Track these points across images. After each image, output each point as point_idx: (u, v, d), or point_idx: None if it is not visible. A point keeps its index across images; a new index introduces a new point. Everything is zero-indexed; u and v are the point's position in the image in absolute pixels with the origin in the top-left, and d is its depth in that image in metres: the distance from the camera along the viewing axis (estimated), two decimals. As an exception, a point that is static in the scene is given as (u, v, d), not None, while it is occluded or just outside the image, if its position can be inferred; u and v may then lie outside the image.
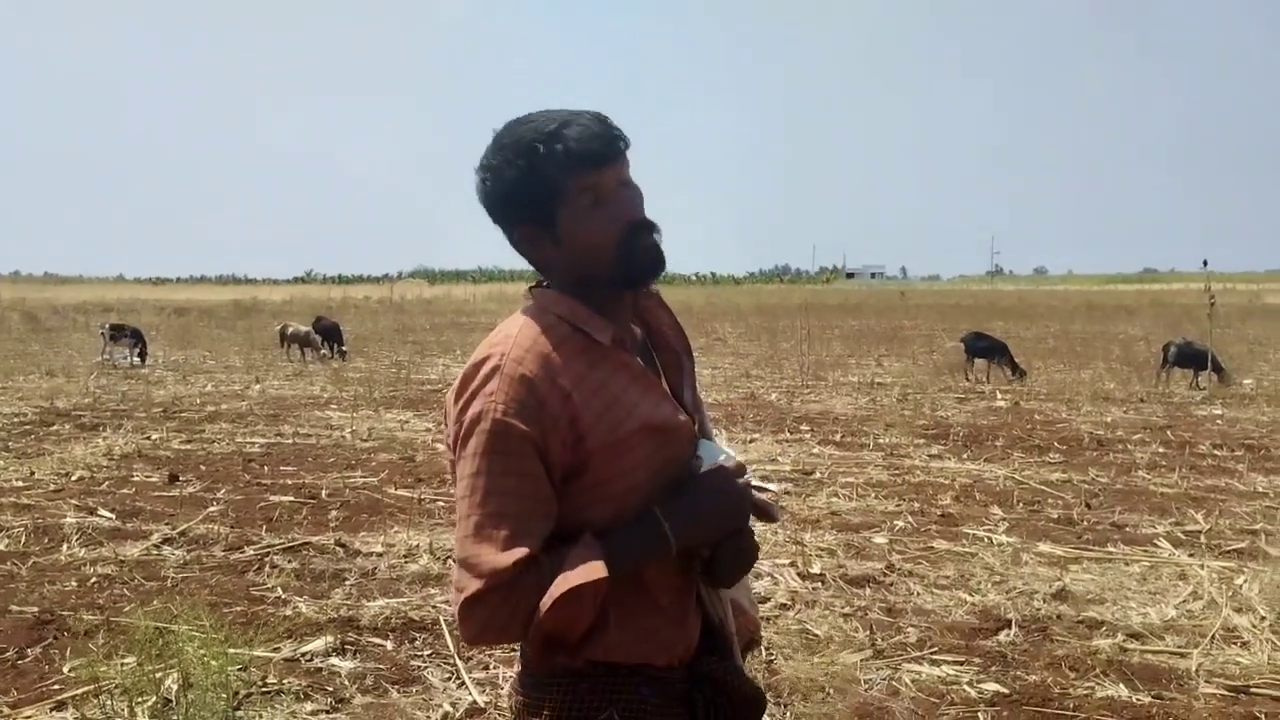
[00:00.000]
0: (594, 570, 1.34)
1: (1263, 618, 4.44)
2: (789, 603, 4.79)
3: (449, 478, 7.14)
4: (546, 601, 1.33)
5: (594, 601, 1.36)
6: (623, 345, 1.49)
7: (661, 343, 1.63)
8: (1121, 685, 3.85)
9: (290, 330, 18.41)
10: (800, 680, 3.87)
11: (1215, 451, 8.58)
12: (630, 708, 1.45)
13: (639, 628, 1.46)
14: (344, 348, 18.46)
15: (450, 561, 5.39)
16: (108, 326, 18.11)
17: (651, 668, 1.47)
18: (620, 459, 1.42)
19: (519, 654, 1.55)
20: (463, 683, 3.96)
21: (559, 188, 1.43)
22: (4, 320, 29.44)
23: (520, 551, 1.33)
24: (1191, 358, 13.28)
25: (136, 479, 7.64)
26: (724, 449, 1.57)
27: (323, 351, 18.03)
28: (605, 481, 1.42)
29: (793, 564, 5.32)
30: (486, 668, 4.12)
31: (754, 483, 1.58)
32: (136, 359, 17.13)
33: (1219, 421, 10.32)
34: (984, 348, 14.74)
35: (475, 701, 3.80)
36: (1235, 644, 4.21)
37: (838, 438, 9.41)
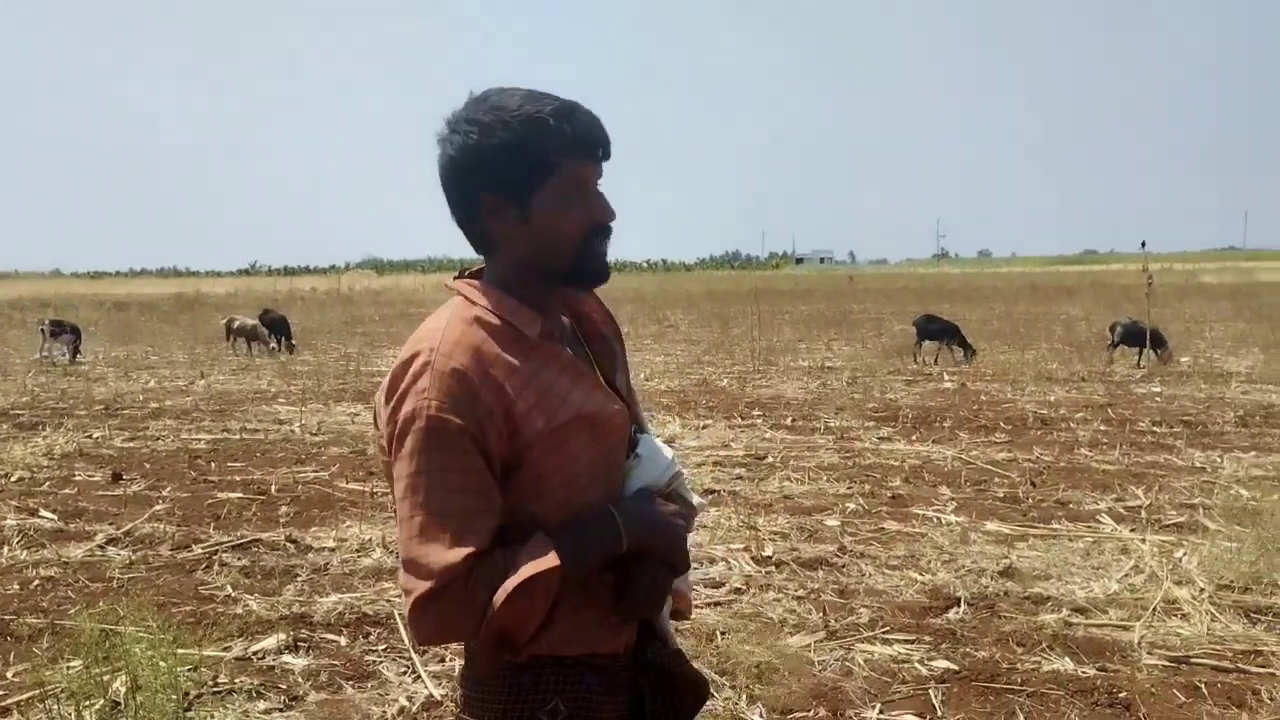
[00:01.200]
0: (547, 561, 1.33)
1: (1202, 590, 4.58)
2: (743, 587, 4.83)
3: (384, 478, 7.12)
4: (500, 596, 1.32)
5: (546, 596, 1.35)
6: (552, 336, 1.48)
7: (591, 330, 1.62)
8: (1067, 659, 3.94)
9: (237, 324, 18.08)
10: (755, 663, 3.91)
11: (1155, 428, 8.81)
12: (576, 698, 1.45)
13: (582, 619, 1.46)
14: (292, 341, 18.18)
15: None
16: (47, 323, 17.65)
17: (596, 657, 1.48)
18: (557, 450, 1.41)
19: (464, 649, 1.54)
20: (418, 676, 3.94)
21: (549, 165, 1.42)
22: (-65, 318, 28.55)
23: (469, 548, 1.32)
24: (1136, 336, 13.60)
25: (79, 479, 7.47)
26: (664, 450, 1.57)
27: (271, 345, 17.74)
28: (544, 474, 1.41)
29: (746, 548, 5.37)
30: (442, 660, 4.10)
31: (683, 491, 1.58)
32: (65, 356, 16.69)
33: (1158, 399, 10.59)
34: (936, 330, 14.94)
35: (431, 695, 3.79)
36: (1176, 616, 4.34)
37: (789, 422, 9.50)
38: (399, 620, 4.45)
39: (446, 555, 1.31)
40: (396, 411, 1.37)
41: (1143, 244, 24.25)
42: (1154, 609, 4.39)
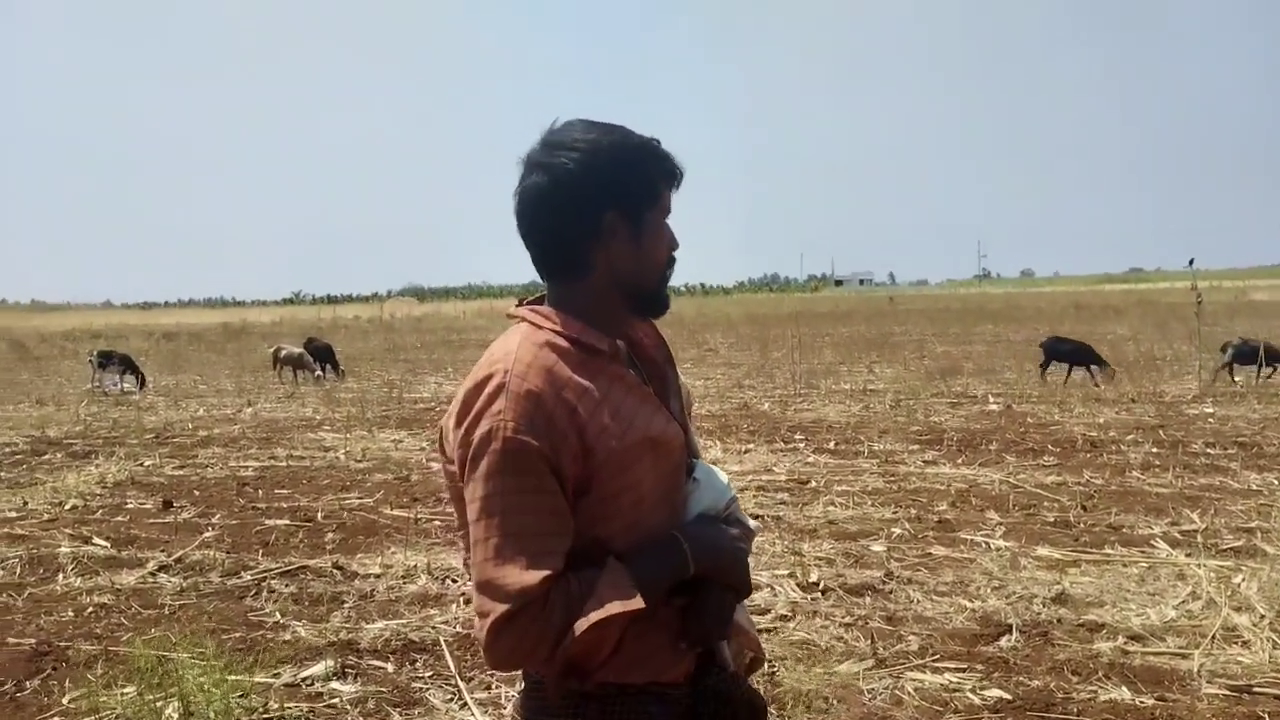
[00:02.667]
0: (632, 603, 1.34)
1: (1262, 616, 4.46)
2: (789, 614, 4.79)
3: (444, 497, 7.07)
4: (583, 625, 1.32)
5: (621, 629, 1.36)
6: (617, 357, 1.50)
7: (644, 354, 1.64)
8: (1124, 688, 3.85)
9: (284, 352, 18.35)
10: (803, 692, 3.87)
11: (1209, 450, 8.61)
12: None
13: (646, 646, 1.46)
14: (340, 366, 18.48)
15: (448, 581, 5.39)
16: (96, 354, 18.06)
17: (657, 685, 1.47)
18: (625, 472, 1.42)
19: (523, 675, 1.54)
20: (465, 704, 3.95)
21: (656, 192, 1.49)
22: (-8, 349, 29.28)
23: (546, 571, 1.32)
24: (1249, 355, 13.29)
25: (130, 506, 7.60)
26: (720, 475, 1.59)
27: (317, 373, 17.97)
28: (613, 495, 1.41)
29: (791, 574, 5.32)
30: (489, 688, 4.10)
31: (739, 516, 1.60)
32: (130, 385, 17.09)
33: (1211, 420, 10.37)
34: (1066, 351, 14.15)
35: (478, 722, 3.78)
36: (1236, 643, 4.23)
37: (832, 446, 9.42)
38: (445, 647, 4.47)
39: (523, 578, 1.31)
40: (470, 433, 1.38)
41: (1190, 261, 23.93)
42: (1213, 636, 4.29)
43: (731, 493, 1.59)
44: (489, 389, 1.38)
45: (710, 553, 1.47)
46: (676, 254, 1.56)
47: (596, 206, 1.45)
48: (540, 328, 1.46)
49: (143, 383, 17.25)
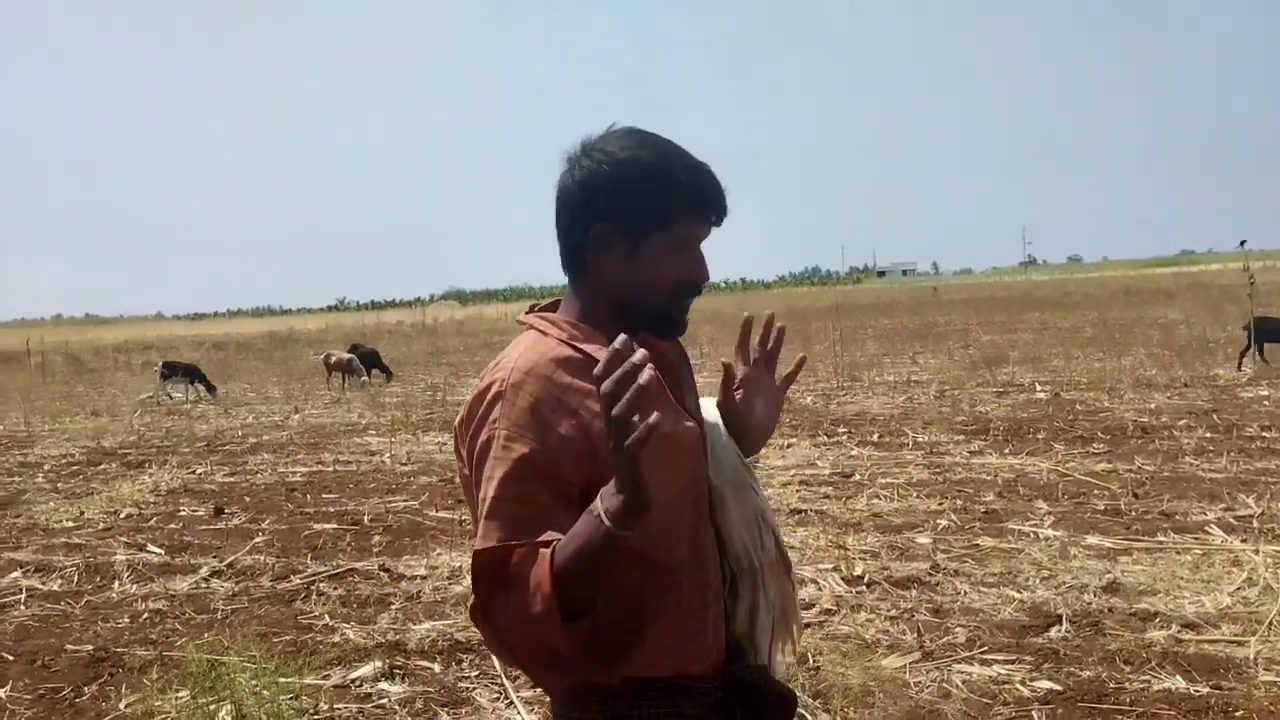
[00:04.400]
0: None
1: (1321, 602, 4.35)
2: (834, 607, 4.76)
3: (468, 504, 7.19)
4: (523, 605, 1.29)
5: (545, 606, 1.27)
6: None
7: (657, 350, 1.60)
8: (1178, 677, 3.78)
9: (334, 359, 18.65)
10: (849, 685, 3.84)
11: (1264, 434, 8.41)
12: None
13: (673, 637, 1.46)
14: (388, 369, 18.79)
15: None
16: (161, 365, 18.54)
17: (685, 678, 1.47)
18: None
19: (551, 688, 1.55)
20: (511, 703, 3.97)
21: (669, 217, 1.46)
22: (48, 363, 30.03)
23: (502, 540, 1.34)
24: (1272, 333, 12.82)
25: (183, 513, 7.75)
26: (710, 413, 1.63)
27: (364, 379, 18.21)
28: None
29: (836, 568, 5.29)
30: (534, 687, 4.12)
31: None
32: (182, 394, 17.50)
33: (1266, 403, 10.12)
34: (1275, 330, 13.22)
35: (525, 721, 3.81)
36: (1294, 630, 4.13)
37: (876, 438, 9.34)
38: (491, 647, 4.50)
39: (484, 545, 1.32)
40: (474, 440, 1.41)
41: (1242, 242, 23.31)
42: (1270, 623, 4.18)
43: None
44: (488, 398, 1.41)
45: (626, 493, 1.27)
46: (702, 284, 1.53)
47: (588, 216, 1.46)
48: (546, 335, 1.48)
49: (212, 390, 17.63)
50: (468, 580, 5.49)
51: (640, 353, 1.19)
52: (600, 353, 1.43)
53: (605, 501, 1.25)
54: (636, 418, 1.16)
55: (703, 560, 1.53)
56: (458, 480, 8.33)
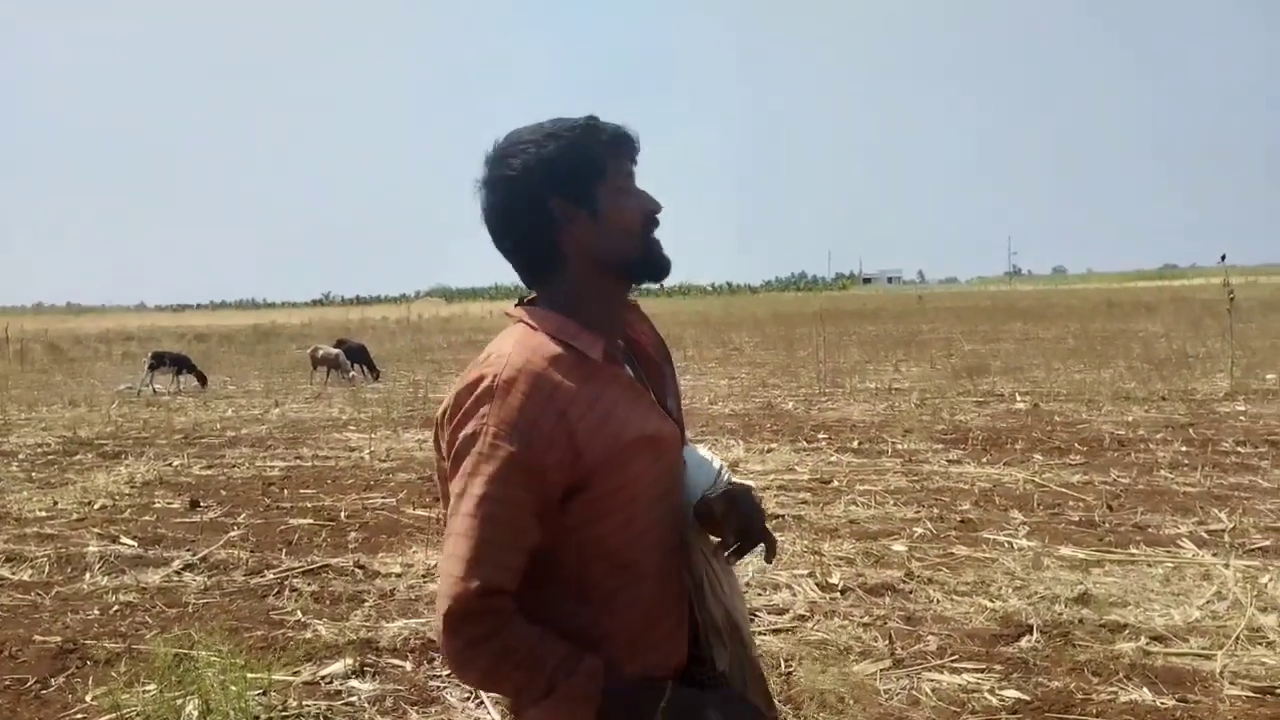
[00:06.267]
0: None
1: (1288, 617, 4.39)
2: (808, 613, 4.77)
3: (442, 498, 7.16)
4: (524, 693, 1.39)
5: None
6: (613, 359, 1.50)
7: (641, 354, 1.65)
8: (1145, 689, 3.80)
9: (321, 353, 18.53)
10: (820, 691, 3.85)
11: (1239, 449, 8.48)
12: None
13: (643, 640, 1.48)
14: (376, 367, 18.66)
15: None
16: (150, 355, 18.43)
17: (651, 679, 1.47)
18: (620, 472, 1.43)
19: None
20: (481, 702, 3.97)
21: (601, 166, 1.49)
22: (27, 351, 29.77)
23: (494, 584, 1.35)
24: None
25: (158, 506, 7.70)
26: (702, 452, 1.62)
27: (350, 374, 18.10)
28: (610, 493, 1.42)
29: (811, 574, 5.30)
30: (505, 686, 4.11)
31: (727, 479, 1.61)
32: (180, 385, 17.41)
33: (1242, 418, 10.21)
34: None
35: (494, 721, 3.80)
36: (1260, 644, 4.16)
37: (855, 445, 9.37)
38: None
39: (464, 584, 1.34)
40: (457, 432, 1.40)
41: (1223, 257, 23.50)
42: (1237, 637, 4.22)
43: (718, 463, 1.61)
44: (478, 391, 1.40)
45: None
46: (660, 214, 1.56)
47: (538, 198, 1.48)
48: (535, 330, 1.47)
49: (203, 380, 17.51)
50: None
51: None
52: (591, 348, 1.44)
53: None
54: None
55: (672, 567, 1.54)
56: (435, 477, 8.30)
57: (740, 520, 1.54)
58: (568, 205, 1.48)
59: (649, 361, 1.65)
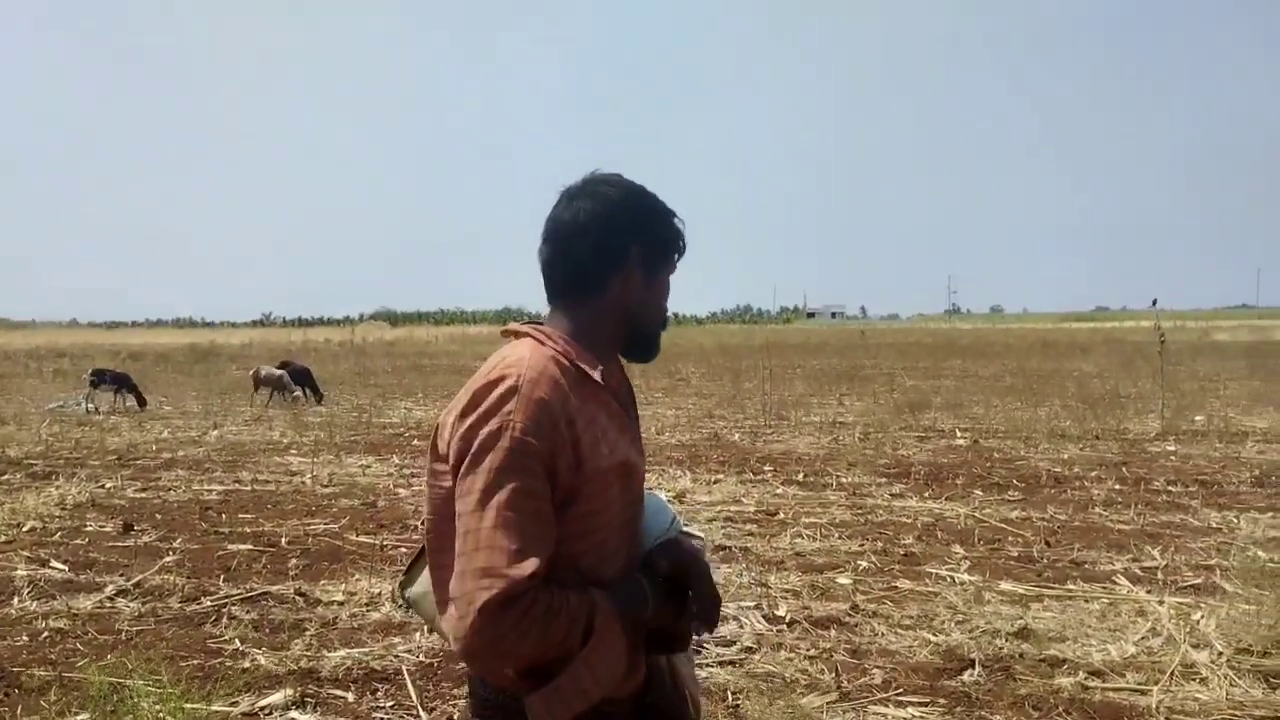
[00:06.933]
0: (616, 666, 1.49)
1: (1220, 653, 4.51)
2: (755, 645, 4.78)
3: (410, 524, 6.98)
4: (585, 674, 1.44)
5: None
6: (607, 385, 1.59)
7: (614, 390, 1.71)
8: (1084, 723, 3.87)
9: (264, 373, 18.18)
10: (767, 724, 3.86)
11: (1170, 488, 8.73)
12: None
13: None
14: (320, 390, 18.32)
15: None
16: (90, 372, 17.95)
17: (610, 701, 1.51)
18: (604, 491, 1.51)
19: (470, 694, 1.62)
20: (426, 734, 3.90)
21: (671, 254, 1.66)
22: (-47, 366, 28.78)
23: (532, 564, 1.37)
24: None
25: (90, 529, 7.48)
26: (663, 501, 1.71)
27: (295, 395, 17.78)
28: (592, 512, 1.50)
29: (758, 606, 5.33)
30: (450, 718, 4.06)
31: (683, 529, 1.70)
32: (95, 406, 16.92)
33: (1172, 458, 10.51)
34: None
35: (439, 753, 3.74)
36: (1194, 680, 4.27)
37: (800, 477, 9.46)
38: (406, 676, 4.42)
39: (513, 569, 1.35)
40: (477, 428, 1.43)
41: (1154, 301, 24.22)
42: (1172, 673, 4.33)
43: (672, 511, 1.70)
44: (501, 389, 1.45)
45: (673, 564, 1.61)
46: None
47: (627, 236, 1.59)
48: (544, 344, 1.56)
49: (142, 402, 17.08)
50: (386, 608, 5.39)
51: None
52: (593, 370, 1.55)
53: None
54: None
55: None
56: (381, 504, 8.19)
57: (687, 593, 1.62)
58: (640, 258, 1.59)
59: (625, 392, 1.73)
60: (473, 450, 1.42)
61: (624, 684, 1.55)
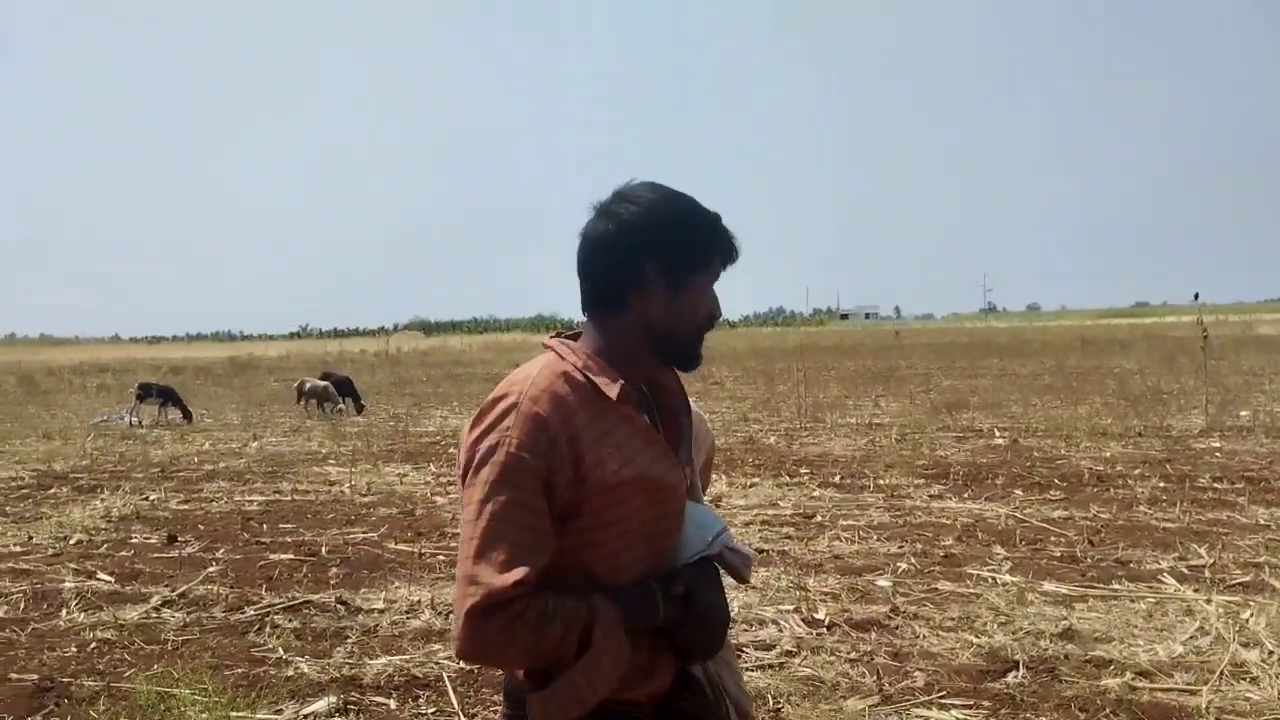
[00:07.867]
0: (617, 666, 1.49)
1: (1270, 652, 4.42)
2: (794, 649, 4.76)
3: (449, 531, 7.04)
4: (574, 698, 1.47)
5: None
6: (629, 400, 1.59)
7: (664, 401, 1.74)
8: (1132, 725, 3.81)
9: (308, 386, 18.38)
10: (808, 728, 3.83)
11: (1215, 485, 8.57)
12: None
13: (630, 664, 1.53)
14: (360, 401, 18.51)
15: (452, 616, 5.37)
16: (136, 386, 18.25)
17: (621, 702, 1.54)
18: (616, 506, 1.52)
19: (504, 696, 1.65)
20: (468, 740, 3.92)
21: (707, 263, 1.63)
22: (0, 384, 29.39)
23: (518, 575, 1.41)
24: None
25: (135, 541, 7.60)
26: (703, 514, 1.68)
27: (339, 406, 17.96)
28: (601, 525, 1.52)
29: (797, 610, 5.30)
30: (492, 724, 4.08)
31: (730, 545, 1.68)
32: (156, 417, 17.23)
33: (1218, 454, 10.33)
34: None
35: (481, 759, 3.76)
36: (1244, 679, 4.19)
37: (837, 480, 9.40)
38: (448, 683, 4.45)
39: (497, 578, 1.41)
40: (479, 442, 1.50)
41: (1195, 295, 23.93)
42: (1221, 672, 4.25)
43: (719, 524, 1.68)
44: (502, 406, 1.51)
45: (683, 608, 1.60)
46: (718, 319, 1.70)
47: (640, 256, 1.58)
48: (563, 359, 1.59)
49: (188, 415, 17.32)
50: (426, 615, 5.43)
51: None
52: (609, 387, 1.54)
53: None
54: None
55: None
56: (419, 512, 8.26)
57: (687, 627, 1.59)
58: (657, 275, 1.58)
59: (670, 411, 1.75)
60: (474, 463, 1.49)
61: (643, 687, 1.57)
